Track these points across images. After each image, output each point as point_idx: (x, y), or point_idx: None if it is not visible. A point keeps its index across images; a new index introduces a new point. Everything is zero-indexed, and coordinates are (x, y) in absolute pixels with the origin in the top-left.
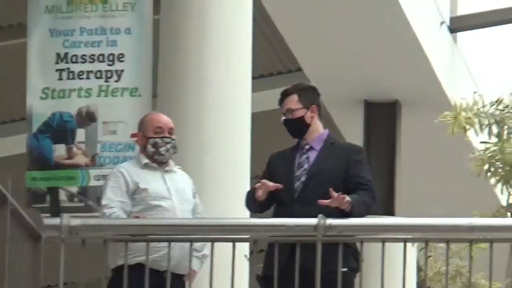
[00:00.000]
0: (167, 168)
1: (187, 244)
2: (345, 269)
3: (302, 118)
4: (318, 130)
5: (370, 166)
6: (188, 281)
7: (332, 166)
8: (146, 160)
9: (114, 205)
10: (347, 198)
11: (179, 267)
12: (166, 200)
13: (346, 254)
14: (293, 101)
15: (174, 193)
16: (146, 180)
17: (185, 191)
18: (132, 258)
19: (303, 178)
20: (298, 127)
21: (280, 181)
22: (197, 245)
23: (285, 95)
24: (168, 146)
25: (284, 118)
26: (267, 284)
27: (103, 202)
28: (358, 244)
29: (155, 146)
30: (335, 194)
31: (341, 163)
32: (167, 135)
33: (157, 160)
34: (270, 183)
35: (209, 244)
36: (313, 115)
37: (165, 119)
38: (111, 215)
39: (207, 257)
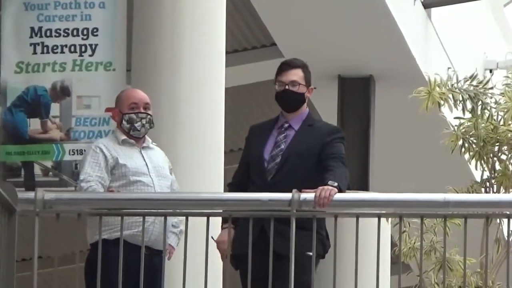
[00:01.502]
0: (144, 144)
1: (168, 220)
2: (310, 253)
3: (303, 95)
4: (302, 109)
5: (346, 145)
6: (167, 256)
7: (307, 149)
8: (123, 137)
9: (91, 179)
10: (333, 189)
11: (158, 243)
12: (145, 176)
13: (314, 240)
14: (299, 75)
15: (152, 169)
16: (125, 156)
17: (163, 167)
18: (112, 233)
19: (278, 159)
20: (295, 102)
21: (254, 159)
22: (174, 220)
23: (291, 66)
24: (144, 121)
25: (285, 88)
26: (237, 262)
27: (81, 176)
28: (331, 220)
29: (130, 122)
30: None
31: (316, 146)
32: (142, 111)
33: (133, 136)
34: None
35: (190, 220)
36: (308, 96)
37: (140, 95)
38: (88, 189)
39: (183, 233)
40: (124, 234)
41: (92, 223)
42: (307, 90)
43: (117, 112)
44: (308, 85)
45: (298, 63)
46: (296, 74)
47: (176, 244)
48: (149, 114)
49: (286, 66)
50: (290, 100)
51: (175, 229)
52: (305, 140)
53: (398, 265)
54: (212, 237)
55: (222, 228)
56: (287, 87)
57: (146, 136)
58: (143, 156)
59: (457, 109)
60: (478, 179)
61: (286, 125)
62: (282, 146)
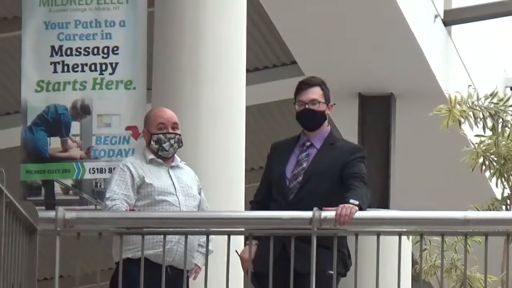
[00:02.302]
0: (172, 164)
1: (193, 240)
2: (331, 272)
3: (323, 113)
4: (324, 127)
5: (367, 164)
6: (192, 276)
7: (329, 168)
8: (151, 156)
9: (117, 197)
10: (353, 207)
11: (183, 263)
12: (171, 196)
13: (335, 258)
14: (318, 93)
15: (179, 188)
16: (152, 175)
17: (190, 186)
18: (136, 252)
19: (299, 178)
20: (317, 120)
21: (276, 177)
22: (201, 240)
23: (310, 85)
24: (172, 141)
25: (305, 107)
26: (258, 280)
27: (107, 194)
28: (352, 238)
29: (158, 143)
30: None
31: (338, 165)
32: (170, 131)
33: (162, 156)
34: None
35: (214, 239)
36: (328, 113)
37: (167, 114)
38: (112, 207)
39: (211, 252)
40: (148, 254)
41: (117, 241)
42: (327, 107)
43: (146, 132)
44: (327, 102)
45: (316, 81)
46: (315, 93)
47: (202, 264)
48: (177, 134)
49: (304, 85)
50: (311, 119)
51: (202, 248)
52: (327, 159)
53: (419, 283)
54: (236, 251)
55: (246, 244)
56: (307, 106)
57: (175, 155)
58: (170, 176)
59: (477, 126)
60: (499, 197)
61: (308, 143)
62: (304, 165)
